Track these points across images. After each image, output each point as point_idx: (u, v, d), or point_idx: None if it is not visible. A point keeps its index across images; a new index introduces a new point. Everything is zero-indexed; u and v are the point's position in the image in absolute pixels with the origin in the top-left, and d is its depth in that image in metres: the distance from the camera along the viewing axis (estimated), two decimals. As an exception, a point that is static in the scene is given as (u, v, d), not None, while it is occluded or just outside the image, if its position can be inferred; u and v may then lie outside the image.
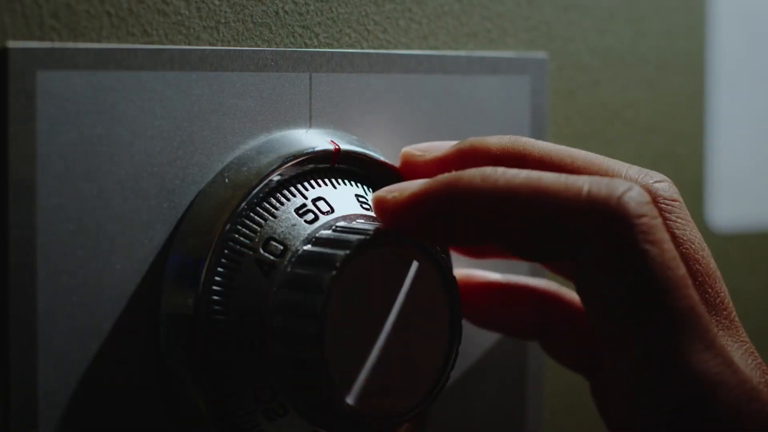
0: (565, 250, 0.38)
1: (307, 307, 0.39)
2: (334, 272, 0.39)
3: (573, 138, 0.54)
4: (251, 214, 0.41)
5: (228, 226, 0.41)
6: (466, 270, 0.47)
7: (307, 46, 0.45)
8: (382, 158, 0.44)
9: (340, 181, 0.43)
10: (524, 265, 0.49)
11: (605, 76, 0.55)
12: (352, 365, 0.39)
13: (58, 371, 0.39)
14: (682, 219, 0.40)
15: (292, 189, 0.42)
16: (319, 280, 0.39)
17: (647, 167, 0.43)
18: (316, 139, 0.43)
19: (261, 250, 0.40)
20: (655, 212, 0.38)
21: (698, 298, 0.37)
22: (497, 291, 0.46)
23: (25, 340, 0.38)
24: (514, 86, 0.49)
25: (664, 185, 0.41)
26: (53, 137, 0.39)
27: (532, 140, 0.42)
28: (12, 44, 0.38)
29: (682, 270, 0.37)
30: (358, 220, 0.41)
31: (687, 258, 0.40)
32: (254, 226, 0.41)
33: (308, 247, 0.40)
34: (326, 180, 0.43)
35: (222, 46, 0.42)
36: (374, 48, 0.46)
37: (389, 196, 0.40)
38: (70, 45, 0.39)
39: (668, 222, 0.41)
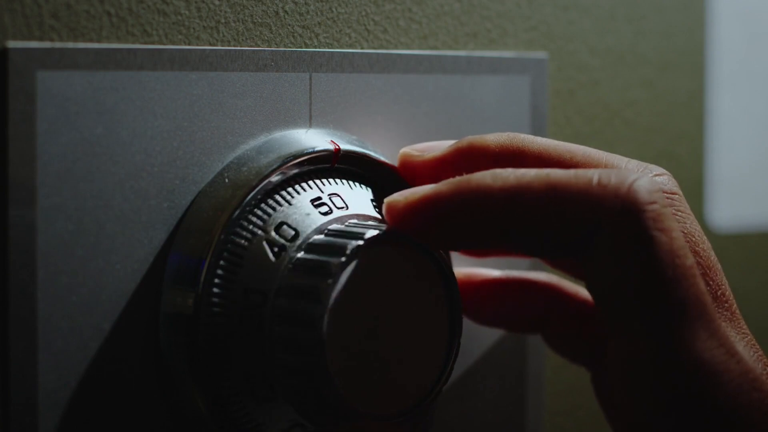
0: (577, 241, 0.38)
1: (307, 308, 0.39)
2: (330, 280, 0.39)
3: (573, 138, 0.54)
4: (251, 214, 0.41)
5: (228, 226, 0.41)
6: (465, 269, 0.47)
7: (307, 46, 0.45)
8: (382, 158, 0.44)
9: (341, 181, 0.43)
10: (524, 261, 0.49)
11: (605, 76, 0.55)
12: (352, 365, 0.39)
13: (58, 371, 0.39)
14: (681, 212, 0.40)
15: (293, 189, 0.42)
16: (319, 281, 0.39)
17: (647, 166, 0.43)
18: (316, 139, 0.43)
19: (261, 250, 0.40)
20: (664, 200, 0.38)
21: (705, 288, 0.38)
22: (498, 287, 0.46)
23: (25, 340, 0.38)
24: (514, 86, 0.49)
25: (664, 178, 0.41)
26: (53, 137, 0.39)
27: (530, 136, 0.43)
28: (12, 44, 0.38)
29: (690, 260, 0.38)
30: (351, 221, 0.41)
31: None
32: (254, 225, 0.41)
33: (308, 248, 0.40)
34: (327, 180, 0.43)
35: (222, 46, 0.42)
36: (374, 48, 0.46)
37: (400, 198, 0.40)
38: (70, 45, 0.39)
39: None
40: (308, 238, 0.40)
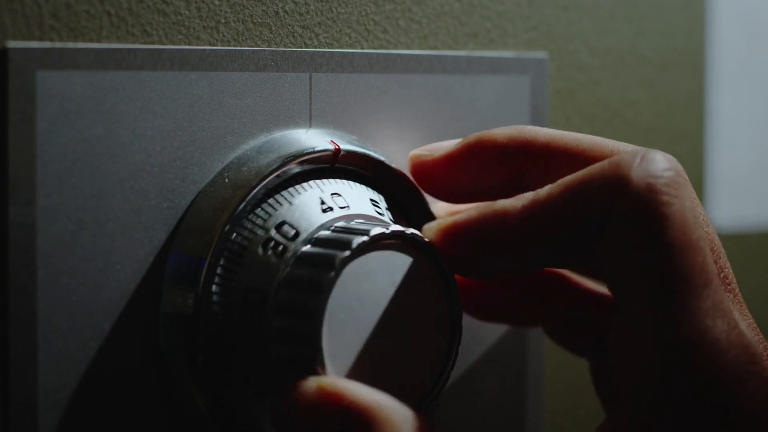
0: (599, 220, 0.39)
1: (306, 308, 0.39)
2: (332, 273, 0.39)
3: (573, 138, 0.54)
4: (251, 214, 0.41)
5: (228, 226, 0.41)
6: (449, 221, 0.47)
7: (307, 46, 0.45)
8: (382, 158, 0.44)
9: (340, 181, 0.43)
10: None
11: (605, 76, 0.55)
12: (352, 365, 0.39)
13: (58, 371, 0.39)
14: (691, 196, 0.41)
15: (293, 189, 0.42)
16: (318, 280, 0.39)
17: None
18: (316, 139, 0.43)
19: (261, 250, 0.40)
20: (679, 169, 0.39)
21: (712, 260, 0.39)
22: (498, 280, 0.46)
23: (25, 340, 0.38)
24: (514, 86, 0.49)
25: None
26: (53, 137, 0.39)
27: (537, 128, 0.43)
28: (12, 44, 0.38)
29: (700, 230, 0.38)
30: (357, 220, 0.41)
31: None
32: (254, 225, 0.41)
33: (308, 247, 0.40)
34: (327, 180, 0.43)
35: (222, 46, 0.42)
36: (374, 48, 0.46)
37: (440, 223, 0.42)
38: (70, 45, 0.39)
39: None
40: (313, 234, 0.40)
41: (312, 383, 0.39)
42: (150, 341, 0.41)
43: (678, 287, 0.38)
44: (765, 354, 0.39)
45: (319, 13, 0.45)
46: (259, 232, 0.41)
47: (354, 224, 0.41)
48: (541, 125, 0.50)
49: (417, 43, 0.48)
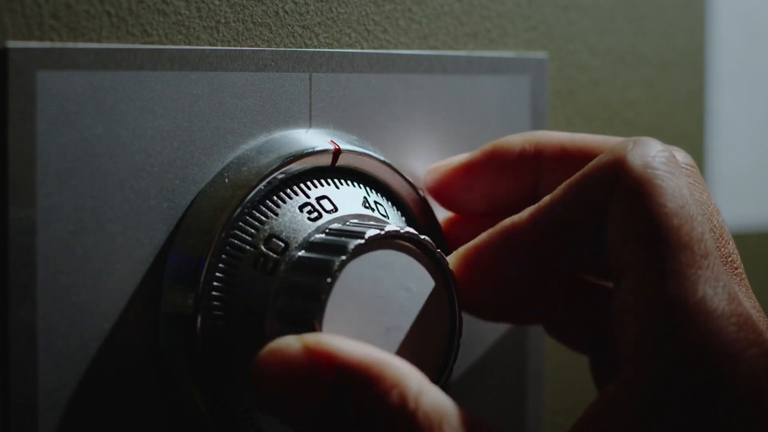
0: (601, 207, 0.40)
1: (306, 308, 0.39)
2: (329, 279, 0.39)
3: (573, 138, 0.54)
4: (251, 214, 0.41)
5: (228, 226, 0.41)
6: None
7: (307, 46, 0.45)
8: (382, 158, 0.44)
9: (341, 181, 0.43)
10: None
11: (605, 76, 0.55)
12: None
13: (58, 371, 0.39)
14: (699, 183, 0.41)
15: (293, 189, 0.42)
16: (319, 280, 0.39)
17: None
18: (316, 139, 0.43)
19: (262, 248, 0.40)
20: (671, 150, 0.40)
21: (710, 235, 0.39)
22: (498, 277, 0.46)
23: (25, 340, 0.38)
24: (514, 86, 0.49)
25: (681, 153, 0.43)
26: (53, 137, 0.39)
27: (548, 132, 0.45)
28: (12, 44, 0.38)
29: (697, 208, 0.39)
30: (352, 221, 0.41)
31: None
32: (254, 225, 0.41)
33: (304, 252, 0.40)
34: (327, 180, 0.43)
35: (222, 46, 0.42)
36: (374, 48, 0.46)
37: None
38: (70, 45, 0.39)
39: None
40: (309, 237, 0.40)
41: (294, 342, 0.34)
42: (150, 341, 0.41)
43: (677, 255, 0.38)
44: (766, 327, 0.39)
45: (319, 13, 0.45)
46: (260, 231, 0.41)
47: (350, 226, 0.41)
48: (541, 125, 0.50)
49: (417, 43, 0.48)
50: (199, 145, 0.41)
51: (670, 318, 0.37)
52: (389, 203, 0.44)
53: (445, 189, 0.45)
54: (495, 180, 0.44)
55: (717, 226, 0.41)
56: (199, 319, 0.40)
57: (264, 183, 0.41)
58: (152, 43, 0.41)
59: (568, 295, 0.46)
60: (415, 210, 0.45)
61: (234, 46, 0.43)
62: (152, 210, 0.41)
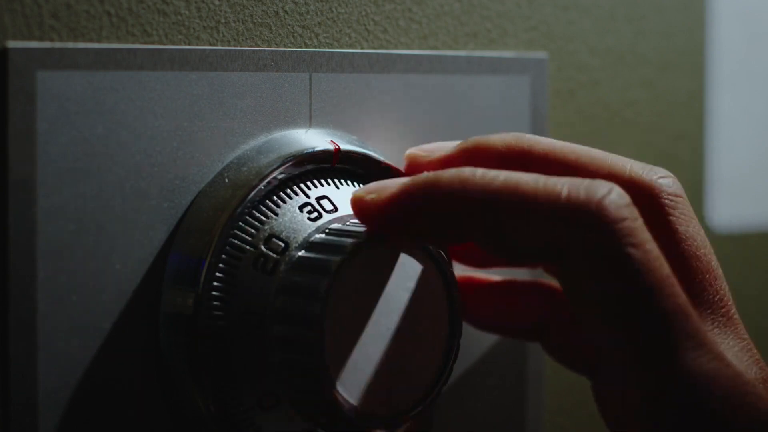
0: (548, 253, 0.38)
1: (306, 308, 0.39)
2: (329, 279, 0.39)
3: (573, 138, 0.54)
4: (251, 214, 0.41)
5: (228, 226, 0.41)
6: (465, 273, 0.47)
7: (307, 46, 0.45)
8: (382, 158, 0.44)
9: (341, 181, 0.43)
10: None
11: (605, 76, 0.55)
12: (352, 366, 0.39)
13: (58, 371, 0.39)
14: (684, 215, 0.40)
15: (293, 189, 0.42)
16: (319, 280, 0.39)
17: (648, 166, 0.43)
18: (316, 139, 0.43)
19: (262, 248, 0.40)
20: (635, 213, 0.37)
21: (685, 297, 0.37)
22: (498, 290, 0.46)
23: (25, 340, 0.38)
24: (514, 86, 0.49)
25: (668, 181, 0.41)
26: (53, 137, 0.39)
27: (536, 137, 0.43)
28: (12, 44, 0.38)
29: (666, 269, 0.37)
30: (353, 221, 0.41)
31: (687, 255, 0.41)
32: (254, 225, 0.41)
33: (303, 252, 0.40)
34: (327, 180, 0.43)
35: (222, 46, 0.42)
36: (374, 48, 0.46)
37: (367, 197, 0.40)
38: (70, 45, 0.39)
39: (671, 218, 0.41)
40: (309, 237, 0.40)
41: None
42: (150, 341, 0.41)
43: (652, 334, 0.37)
44: (761, 376, 0.38)
45: (319, 13, 0.45)
46: (260, 231, 0.41)
47: (350, 225, 0.41)
48: (542, 125, 0.50)
49: (417, 43, 0.48)
50: (199, 145, 0.41)
51: (657, 398, 0.37)
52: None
53: None
54: None
55: (704, 261, 0.40)
56: (199, 319, 0.40)
57: (264, 183, 0.41)
58: (152, 43, 0.41)
59: (563, 316, 0.46)
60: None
61: (234, 46, 0.43)
62: (152, 210, 0.41)
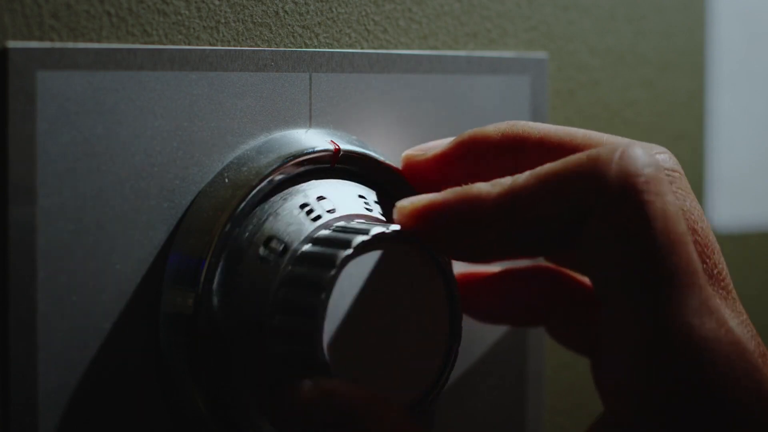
0: (576, 222, 0.38)
1: (306, 307, 0.39)
2: (333, 272, 0.39)
3: (573, 138, 0.54)
4: (251, 214, 0.41)
5: (228, 226, 0.41)
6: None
7: (307, 46, 0.45)
8: (382, 158, 0.44)
9: (341, 181, 0.43)
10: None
11: (605, 76, 0.55)
12: (352, 365, 0.39)
13: (58, 371, 0.39)
14: (682, 190, 0.40)
15: (293, 188, 0.42)
16: (319, 279, 0.39)
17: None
18: (316, 139, 0.43)
19: (262, 248, 0.40)
20: (659, 165, 0.39)
21: (697, 257, 0.38)
22: (499, 280, 0.46)
23: (25, 340, 0.38)
24: (514, 86, 0.49)
25: (665, 156, 0.41)
26: (53, 137, 0.39)
27: (530, 123, 0.43)
28: (12, 44, 0.38)
29: (683, 226, 0.38)
30: (357, 220, 0.41)
31: None
32: (255, 225, 0.41)
33: (309, 246, 0.40)
34: (327, 180, 0.43)
35: (222, 46, 0.42)
36: (374, 48, 0.46)
37: (407, 203, 0.41)
38: (70, 45, 0.39)
39: None
40: (312, 234, 0.40)
41: (307, 383, 0.39)
42: (150, 341, 0.41)
43: (662, 288, 0.37)
44: (758, 350, 0.38)
45: (319, 13, 0.45)
46: (260, 231, 0.41)
47: (355, 223, 0.41)
48: (541, 125, 0.50)
49: (417, 43, 0.48)
50: (199, 145, 0.42)
51: (658, 357, 0.37)
52: (389, 203, 0.44)
53: (420, 179, 0.44)
54: (472, 171, 0.43)
55: (702, 235, 0.40)
56: (199, 319, 0.40)
57: (264, 183, 0.41)
58: (152, 43, 0.41)
59: (566, 296, 0.46)
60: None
61: (234, 46, 0.43)
62: (152, 210, 0.41)
